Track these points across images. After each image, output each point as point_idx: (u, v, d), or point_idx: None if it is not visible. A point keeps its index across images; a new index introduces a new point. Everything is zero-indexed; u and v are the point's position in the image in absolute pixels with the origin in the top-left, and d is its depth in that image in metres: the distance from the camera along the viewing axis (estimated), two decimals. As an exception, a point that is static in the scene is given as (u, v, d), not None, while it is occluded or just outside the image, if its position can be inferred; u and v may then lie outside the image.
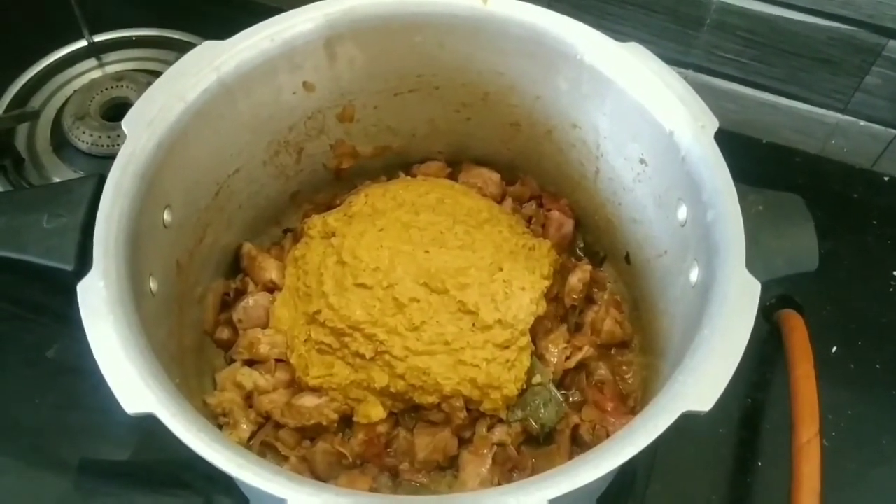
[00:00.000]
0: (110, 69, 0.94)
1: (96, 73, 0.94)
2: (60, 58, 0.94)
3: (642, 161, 0.62)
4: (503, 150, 0.75)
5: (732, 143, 0.91)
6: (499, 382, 0.63)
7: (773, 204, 0.56)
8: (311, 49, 0.63)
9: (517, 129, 0.72)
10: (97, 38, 0.95)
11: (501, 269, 0.65)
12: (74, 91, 0.91)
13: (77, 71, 0.94)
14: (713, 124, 0.57)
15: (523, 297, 0.65)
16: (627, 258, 0.71)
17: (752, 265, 0.51)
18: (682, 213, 0.58)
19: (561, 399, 0.66)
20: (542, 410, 0.65)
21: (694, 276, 0.55)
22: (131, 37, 0.96)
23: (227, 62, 0.60)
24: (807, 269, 0.55)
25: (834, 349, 0.79)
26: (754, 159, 0.93)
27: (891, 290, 0.83)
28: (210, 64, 0.59)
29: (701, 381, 0.45)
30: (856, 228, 0.87)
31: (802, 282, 0.80)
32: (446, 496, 0.43)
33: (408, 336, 0.63)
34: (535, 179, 0.77)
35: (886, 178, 0.92)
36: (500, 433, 0.64)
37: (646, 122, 0.59)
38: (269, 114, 0.66)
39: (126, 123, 0.56)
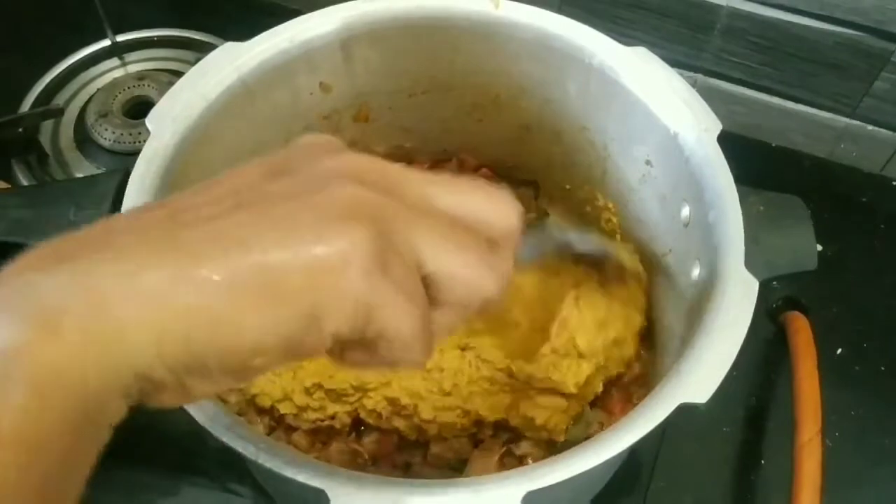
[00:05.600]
0: (132, 68, 0.96)
1: (119, 73, 0.96)
2: (84, 57, 0.96)
3: (648, 162, 0.64)
4: (514, 151, 0.76)
5: (742, 147, 0.93)
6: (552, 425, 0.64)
7: (773, 205, 0.58)
8: (329, 51, 0.65)
9: (527, 130, 0.73)
10: (120, 38, 0.98)
11: None
12: (98, 89, 0.93)
13: (100, 70, 0.96)
14: (716, 127, 0.58)
15: None
16: (634, 257, 0.73)
17: (752, 264, 0.52)
18: (686, 213, 0.59)
19: (591, 419, 0.66)
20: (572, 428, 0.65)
21: (695, 274, 0.57)
22: (153, 37, 0.98)
23: (247, 62, 0.61)
24: (806, 267, 0.57)
25: (839, 350, 0.80)
26: (763, 163, 0.94)
27: (898, 293, 0.84)
28: (231, 64, 0.61)
29: (699, 373, 0.47)
30: (863, 232, 0.89)
31: (809, 284, 0.83)
32: (443, 481, 0.45)
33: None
34: (544, 180, 0.78)
35: (895, 183, 0.93)
36: (525, 447, 0.64)
37: (651, 124, 0.61)
38: (287, 113, 0.67)
39: (150, 120, 0.58)
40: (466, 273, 0.35)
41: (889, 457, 0.75)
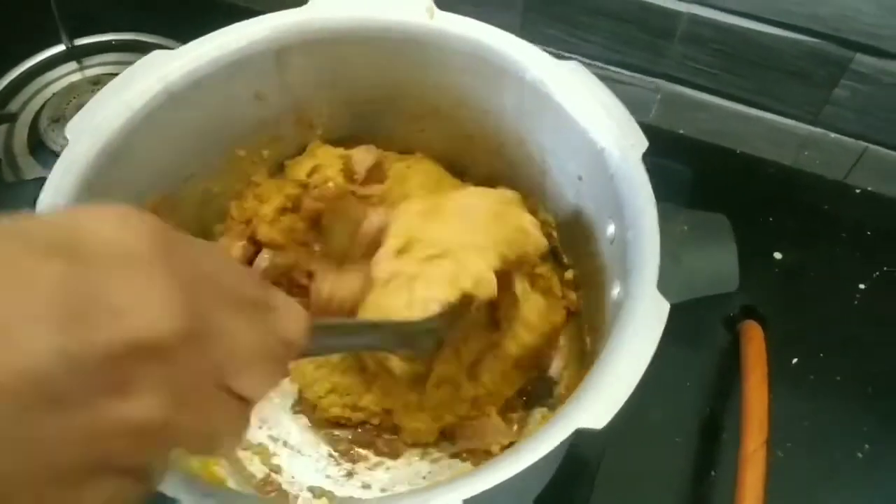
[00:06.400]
0: (90, 73, 0.96)
1: (76, 77, 0.95)
2: (41, 62, 0.96)
3: (580, 178, 0.63)
4: (459, 161, 0.76)
5: (705, 154, 0.94)
6: None
7: (698, 224, 0.57)
8: (262, 60, 0.64)
9: (471, 142, 0.72)
10: (78, 42, 0.97)
11: None
12: (53, 94, 0.93)
13: (57, 74, 0.96)
14: (642, 144, 0.57)
15: None
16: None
17: (671, 285, 0.51)
18: (611, 230, 0.59)
19: None
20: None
21: (615, 294, 0.56)
22: (111, 41, 0.98)
23: (174, 71, 0.61)
24: (727, 289, 0.56)
25: (794, 360, 0.79)
26: (727, 170, 0.93)
27: (856, 302, 0.83)
28: (157, 73, 0.60)
29: (597, 398, 0.46)
30: (825, 240, 0.88)
31: (768, 293, 0.82)
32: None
33: None
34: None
35: (858, 191, 0.92)
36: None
37: (581, 139, 0.60)
38: (221, 121, 0.67)
39: (69, 130, 0.57)
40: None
41: (841, 468, 0.74)
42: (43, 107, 0.92)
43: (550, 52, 0.91)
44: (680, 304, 0.60)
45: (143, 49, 0.97)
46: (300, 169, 0.70)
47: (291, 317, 0.39)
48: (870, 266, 0.86)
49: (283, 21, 0.63)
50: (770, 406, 0.67)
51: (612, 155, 0.57)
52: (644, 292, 0.50)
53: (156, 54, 0.61)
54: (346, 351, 0.64)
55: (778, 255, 0.86)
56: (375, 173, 0.71)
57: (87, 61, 0.97)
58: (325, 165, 0.70)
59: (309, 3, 0.64)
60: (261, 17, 0.63)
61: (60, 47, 0.96)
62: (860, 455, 0.75)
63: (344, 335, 0.55)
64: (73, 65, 0.97)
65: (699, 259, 0.55)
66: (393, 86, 0.69)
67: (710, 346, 0.80)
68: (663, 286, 0.51)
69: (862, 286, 0.84)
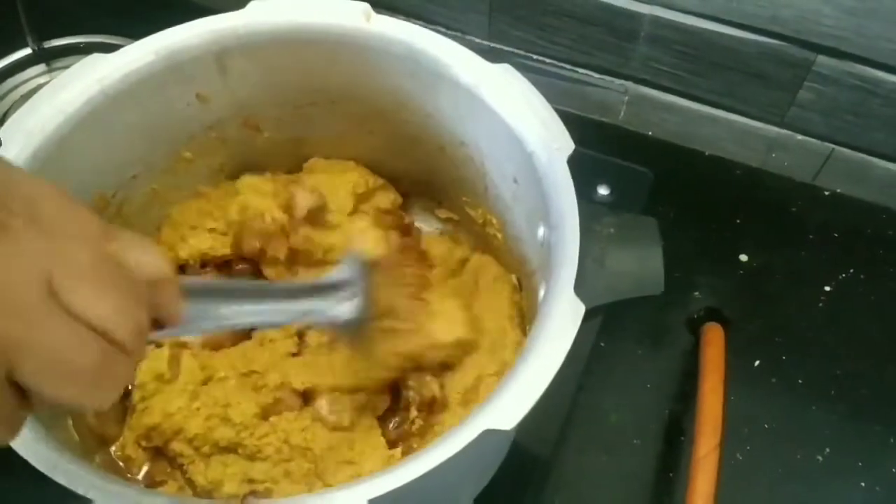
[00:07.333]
0: (57, 75, 0.95)
1: (43, 80, 0.96)
2: (8, 65, 0.96)
3: (515, 181, 0.62)
4: (408, 163, 0.76)
5: (674, 155, 0.94)
6: None
7: (625, 227, 0.56)
8: (201, 63, 0.64)
9: (416, 143, 0.72)
10: (47, 45, 0.97)
11: None
12: (21, 97, 0.94)
13: (24, 77, 0.96)
14: (568, 147, 0.56)
15: None
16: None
17: (594, 287, 0.51)
18: (541, 233, 0.58)
19: None
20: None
21: (541, 296, 0.55)
22: (79, 43, 0.98)
23: (111, 74, 0.61)
24: (652, 292, 0.55)
25: (757, 362, 0.79)
26: (695, 171, 0.93)
27: (820, 304, 0.83)
28: (93, 76, 0.61)
29: (507, 400, 0.46)
30: (792, 242, 0.87)
31: (733, 295, 0.82)
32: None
33: None
34: (441, 192, 0.78)
35: (826, 193, 0.91)
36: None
37: (513, 142, 0.60)
38: (162, 124, 0.67)
39: (2, 133, 0.58)
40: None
41: (801, 471, 0.74)
42: (9, 110, 0.92)
43: (519, 55, 0.93)
44: (644, 306, 0.60)
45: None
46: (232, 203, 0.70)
47: (142, 249, 0.36)
48: (836, 268, 0.85)
49: (220, 24, 0.63)
50: (725, 409, 0.67)
51: (540, 158, 0.57)
52: (561, 294, 0.50)
53: (94, 57, 0.62)
54: (239, 325, 0.52)
55: (744, 257, 0.86)
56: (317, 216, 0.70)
57: (56, 64, 0.97)
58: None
59: (247, 7, 0.64)
60: (200, 20, 0.64)
61: (27, 50, 0.97)
62: (820, 458, 0.74)
63: (235, 299, 0.47)
64: (41, 67, 0.97)
65: (624, 262, 0.54)
66: (335, 88, 0.69)
67: (672, 348, 0.80)
68: (586, 289, 0.50)
69: (827, 288, 0.84)
